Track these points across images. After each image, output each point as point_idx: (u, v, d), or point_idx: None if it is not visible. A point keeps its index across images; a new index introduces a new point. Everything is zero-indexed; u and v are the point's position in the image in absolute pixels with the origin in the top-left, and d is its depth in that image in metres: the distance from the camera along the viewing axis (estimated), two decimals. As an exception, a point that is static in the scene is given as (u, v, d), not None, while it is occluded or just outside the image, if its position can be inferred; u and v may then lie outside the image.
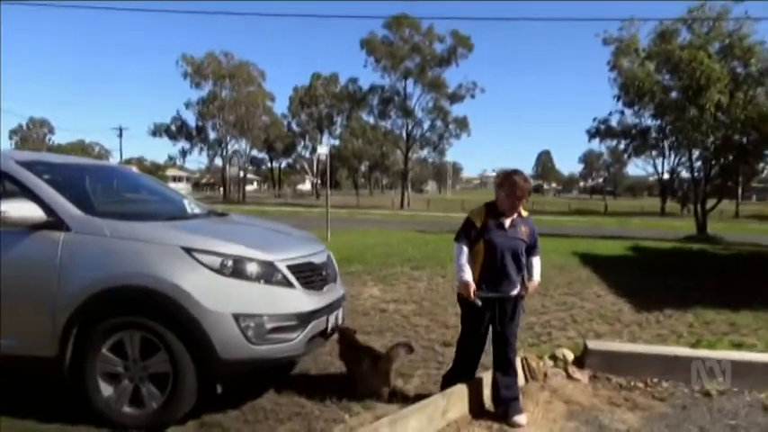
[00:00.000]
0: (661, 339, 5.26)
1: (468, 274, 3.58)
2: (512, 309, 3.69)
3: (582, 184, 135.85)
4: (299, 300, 3.59)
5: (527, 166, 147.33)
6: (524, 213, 3.76)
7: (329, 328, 3.88)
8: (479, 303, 3.57)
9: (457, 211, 36.84)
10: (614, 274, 9.16)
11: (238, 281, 3.36)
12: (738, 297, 7.01)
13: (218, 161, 62.10)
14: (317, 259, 4.00)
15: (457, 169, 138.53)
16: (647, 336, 5.39)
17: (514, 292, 3.68)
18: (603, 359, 4.57)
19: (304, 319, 3.55)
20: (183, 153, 60.62)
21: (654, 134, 21.88)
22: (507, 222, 3.66)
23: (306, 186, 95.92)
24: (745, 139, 19.61)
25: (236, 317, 3.26)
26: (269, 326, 3.36)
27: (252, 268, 3.42)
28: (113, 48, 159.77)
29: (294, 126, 67.82)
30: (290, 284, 3.57)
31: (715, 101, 18.21)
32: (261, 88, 58.49)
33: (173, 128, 58.18)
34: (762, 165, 21.09)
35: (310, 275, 3.81)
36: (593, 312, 6.41)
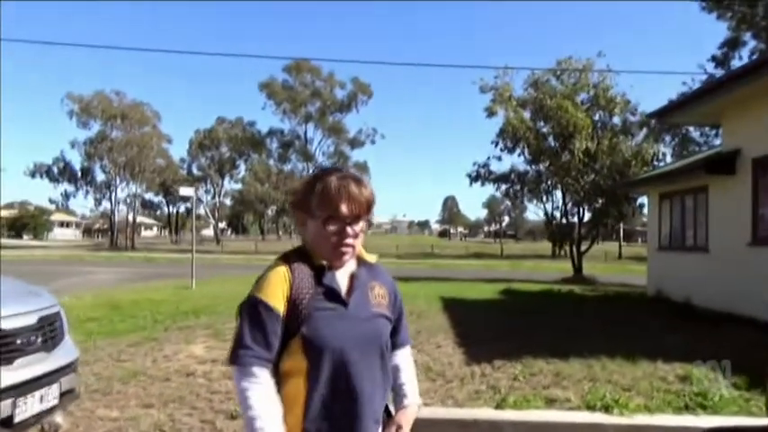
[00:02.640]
0: (476, 397, 4.78)
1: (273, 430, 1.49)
2: None
3: (486, 228, 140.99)
4: (-46, 382, 2.71)
5: (434, 212, 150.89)
6: (370, 258, 1.75)
7: (20, 415, 3.00)
8: None
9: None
10: (468, 321, 8.82)
11: None
12: (576, 344, 6.76)
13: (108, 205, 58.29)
14: (9, 324, 3.13)
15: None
16: (464, 394, 4.89)
17: None
18: (395, 428, 3.97)
19: (-43, 408, 2.67)
20: (66, 196, 56.29)
21: (532, 178, 22.74)
22: (343, 282, 1.66)
23: (210, 232, 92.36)
24: (611, 183, 20.81)
25: None
26: None
27: None
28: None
29: (195, 170, 65.62)
30: (-61, 362, 2.69)
31: (582, 147, 19.23)
32: (156, 129, 56.03)
33: (54, 169, 53.98)
34: (629, 209, 22.49)
35: (-10, 347, 2.95)
36: (423, 367, 5.88)
